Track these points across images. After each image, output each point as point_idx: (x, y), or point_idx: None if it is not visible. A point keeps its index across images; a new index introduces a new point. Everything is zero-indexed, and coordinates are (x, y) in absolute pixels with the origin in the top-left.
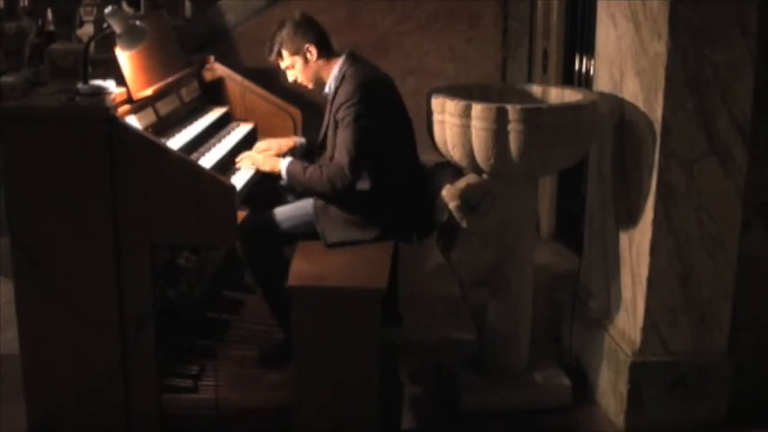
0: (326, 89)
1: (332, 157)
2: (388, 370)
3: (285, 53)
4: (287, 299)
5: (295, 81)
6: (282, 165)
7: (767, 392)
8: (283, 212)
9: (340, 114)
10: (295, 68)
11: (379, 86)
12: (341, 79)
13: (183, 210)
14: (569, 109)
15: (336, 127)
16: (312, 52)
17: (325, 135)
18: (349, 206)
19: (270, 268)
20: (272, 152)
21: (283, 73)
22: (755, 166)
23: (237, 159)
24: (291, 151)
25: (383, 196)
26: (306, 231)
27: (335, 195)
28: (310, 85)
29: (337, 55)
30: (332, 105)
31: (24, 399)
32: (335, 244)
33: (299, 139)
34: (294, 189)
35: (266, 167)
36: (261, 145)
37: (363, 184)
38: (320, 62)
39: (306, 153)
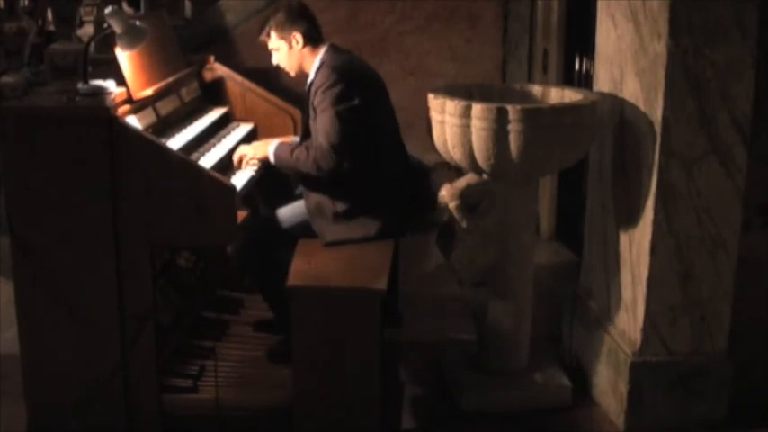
0: (308, 81)
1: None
2: (388, 370)
3: (273, 35)
4: (285, 299)
5: (278, 66)
6: (270, 148)
7: (767, 392)
8: (284, 213)
9: (317, 99)
10: (279, 52)
11: (355, 71)
12: (318, 68)
13: (182, 210)
14: (569, 109)
15: (315, 114)
16: (298, 41)
17: (308, 126)
18: (340, 203)
19: (266, 268)
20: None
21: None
22: (755, 166)
23: (235, 161)
24: None
25: (370, 189)
26: (306, 231)
27: (323, 177)
28: (292, 73)
29: (322, 46)
30: (309, 93)
31: (24, 399)
32: (332, 243)
33: (295, 139)
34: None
35: (258, 155)
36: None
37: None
38: (304, 51)
39: None
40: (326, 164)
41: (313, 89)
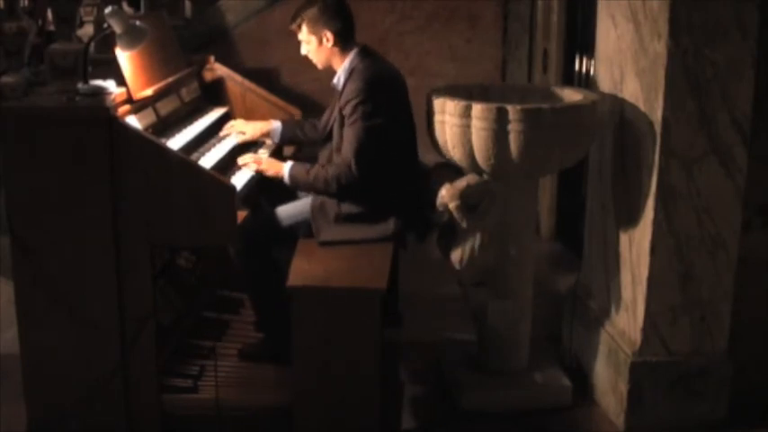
0: (335, 80)
1: (338, 149)
2: (388, 370)
3: (304, 29)
4: (279, 302)
5: (306, 55)
6: (285, 169)
7: (767, 392)
8: (284, 211)
9: (347, 110)
10: (309, 45)
11: (386, 84)
12: (350, 73)
13: (182, 210)
14: (569, 109)
15: (343, 122)
16: (329, 39)
17: (332, 128)
18: (346, 205)
19: (264, 268)
20: (248, 136)
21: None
22: (755, 166)
23: (241, 161)
24: (278, 151)
25: (382, 197)
26: (306, 230)
27: (341, 192)
28: (320, 66)
29: (353, 47)
30: (339, 99)
31: (24, 399)
32: (327, 242)
33: (275, 123)
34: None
35: (270, 172)
36: (237, 125)
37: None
38: (335, 50)
39: (283, 137)
40: (347, 178)
41: (344, 98)
